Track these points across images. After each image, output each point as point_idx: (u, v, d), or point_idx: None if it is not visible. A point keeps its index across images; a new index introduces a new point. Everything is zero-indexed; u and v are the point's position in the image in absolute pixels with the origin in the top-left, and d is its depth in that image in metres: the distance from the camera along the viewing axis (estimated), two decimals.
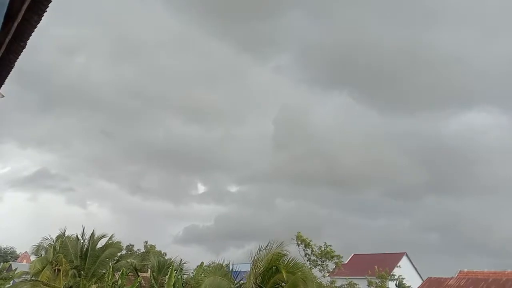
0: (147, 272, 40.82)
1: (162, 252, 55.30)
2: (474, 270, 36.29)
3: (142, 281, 36.48)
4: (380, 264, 38.24)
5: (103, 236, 39.70)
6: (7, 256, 78.78)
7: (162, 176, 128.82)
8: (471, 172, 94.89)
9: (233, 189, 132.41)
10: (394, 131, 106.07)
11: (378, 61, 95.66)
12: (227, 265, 18.05)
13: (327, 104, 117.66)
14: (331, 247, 31.21)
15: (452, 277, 34.64)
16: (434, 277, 35.81)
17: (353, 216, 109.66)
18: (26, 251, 75.49)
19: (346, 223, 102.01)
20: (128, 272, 37.71)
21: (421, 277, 52.89)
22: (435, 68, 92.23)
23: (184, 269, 36.53)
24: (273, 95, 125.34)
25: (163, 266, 37.01)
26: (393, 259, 58.04)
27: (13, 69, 4.05)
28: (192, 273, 37.49)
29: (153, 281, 35.29)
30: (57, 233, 41.07)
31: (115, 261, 40.49)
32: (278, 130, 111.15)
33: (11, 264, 53.53)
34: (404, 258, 61.23)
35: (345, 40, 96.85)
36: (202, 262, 38.49)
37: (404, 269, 49.91)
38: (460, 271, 35.69)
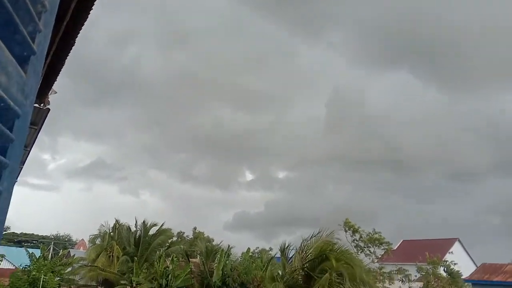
0: (196, 257, 41.99)
1: (210, 238, 56.54)
2: None
3: (192, 267, 37.59)
4: (430, 250, 37.30)
5: (155, 225, 41.26)
6: (65, 243, 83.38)
7: (212, 164, 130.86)
8: None
9: (283, 175, 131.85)
10: (457, 108, 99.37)
11: (439, 35, 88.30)
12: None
13: (385, 83, 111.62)
14: (380, 234, 30.74)
15: (509, 264, 33.30)
16: (489, 263, 34.56)
17: (409, 200, 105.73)
18: (82, 238, 79.53)
19: (401, 208, 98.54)
20: (179, 258, 39.00)
21: (475, 263, 51.14)
22: (500, 40, 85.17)
23: (231, 254, 37.33)
24: (325, 76, 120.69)
25: (211, 252, 37.97)
26: (445, 245, 56.40)
27: (64, 66, 4.26)
28: (239, 258, 38.23)
29: (202, 266, 36.30)
30: (111, 221, 43.07)
31: (166, 248, 41.94)
32: (331, 112, 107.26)
33: (69, 251, 56.61)
34: (457, 244, 59.36)
35: (403, 13, 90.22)
36: (249, 248, 39.25)
37: (457, 255, 48.50)
38: None
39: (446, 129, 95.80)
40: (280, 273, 17.32)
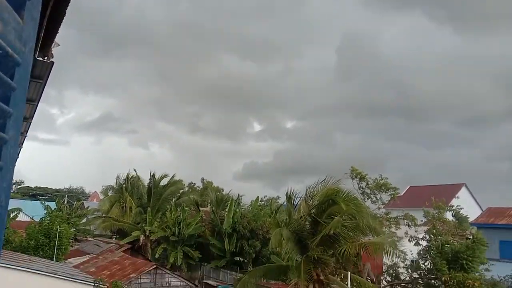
0: (207, 207, 43.04)
1: (220, 188, 57.61)
2: None
3: (203, 215, 38.65)
4: (437, 196, 37.78)
5: (165, 176, 42.04)
6: (78, 195, 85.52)
7: (220, 115, 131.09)
8: None
9: (292, 125, 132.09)
10: (474, 53, 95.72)
11: None
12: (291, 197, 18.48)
13: (397, 27, 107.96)
14: (386, 179, 31.00)
15: None
16: (494, 207, 35.10)
17: (419, 147, 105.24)
18: (95, 191, 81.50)
19: (411, 155, 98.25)
20: (190, 207, 40.05)
21: (481, 208, 51.90)
22: None
23: (241, 203, 38.24)
24: (335, 22, 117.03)
25: (221, 201, 38.89)
26: (451, 190, 56.95)
27: (65, 17, 4.17)
28: (249, 206, 39.13)
29: (213, 215, 37.27)
30: (122, 173, 43.92)
31: (177, 198, 42.99)
32: (342, 59, 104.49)
33: (83, 203, 58.12)
34: (464, 189, 59.94)
35: None
36: (258, 197, 40.15)
37: (463, 200, 49.07)
38: None
39: (460, 74, 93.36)
40: (285, 219, 17.68)
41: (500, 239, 31.41)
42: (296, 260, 17.67)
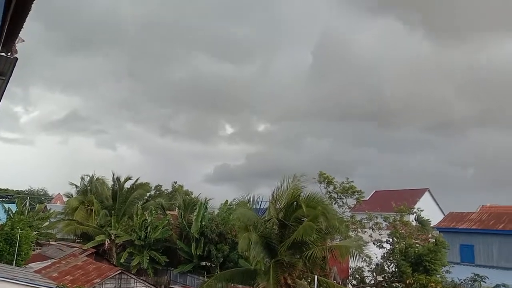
0: (175, 210, 42.49)
1: (189, 191, 56.96)
2: (496, 205, 36.46)
3: (171, 219, 38.15)
4: (401, 200, 38.66)
5: (129, 179, 41.13)
6: (40, 197, 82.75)
7: (191, 117, 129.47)
8: None
9: (264, 128, 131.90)
10: (445, 59, 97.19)
11: None
12: (251, 201, 18.50)
13: (372, 30, 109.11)
14: (352, 183, 31.51)
15: (474, 212, 34.93)
16: (456, 212, 36.18)
17: (387, 152, 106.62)
18: (59, 193, 79.13)
19: (379, 160, 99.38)
20: (157, 211, 39.42)
21: (443, 213, 53.51)
22: None
23: (209, 206, 37.91)
24: (311, 24, 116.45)
25: (189, 204, 38.48)
26: (415, 195, 58.55)
27: (30, 11, 4.05)
28: (218, 209, 38.85)
29: (181, 218, 36.86)
30: (86, 175, 42.83)
31: (144, 201, 42.21)
32: (317, 62, 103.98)
33: (46, 205, 56.31)
34: (427, 194, 61.74)
35: None
36: (227, 200, 39.86)
37: (426, 205, 50.41)
38: (482, 205, 35.91)
39: (430, 80, 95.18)
40: (253, 224, 17.62)
41: (460, 243, 32.42)
42: (264, 264, 17.68)
